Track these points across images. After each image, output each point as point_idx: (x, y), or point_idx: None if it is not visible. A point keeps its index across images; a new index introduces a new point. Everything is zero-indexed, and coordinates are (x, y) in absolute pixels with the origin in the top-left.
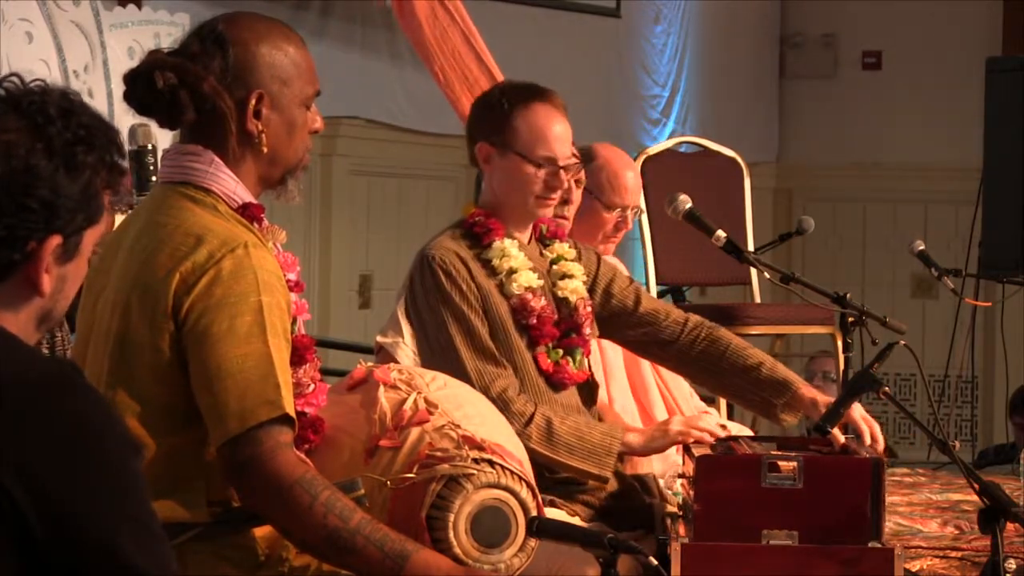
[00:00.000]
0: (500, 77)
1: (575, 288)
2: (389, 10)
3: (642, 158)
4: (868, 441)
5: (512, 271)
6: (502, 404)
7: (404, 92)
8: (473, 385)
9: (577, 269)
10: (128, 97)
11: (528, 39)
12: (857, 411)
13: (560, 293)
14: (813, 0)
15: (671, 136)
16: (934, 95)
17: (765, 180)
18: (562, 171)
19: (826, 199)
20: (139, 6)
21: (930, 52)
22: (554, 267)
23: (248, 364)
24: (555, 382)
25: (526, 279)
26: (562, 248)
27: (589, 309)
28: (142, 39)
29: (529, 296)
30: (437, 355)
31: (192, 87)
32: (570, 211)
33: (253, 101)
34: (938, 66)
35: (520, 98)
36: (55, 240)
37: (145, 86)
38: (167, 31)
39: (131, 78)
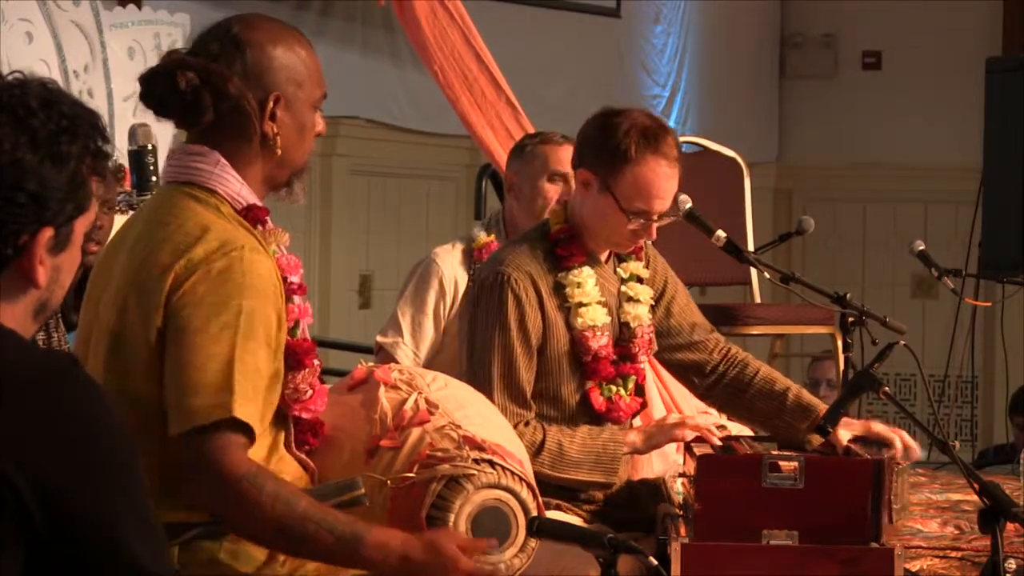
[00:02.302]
0: (500, 77)
1: (638, 315)
2: (389, 10)
3: None
4: (901, 448)
5: (580, 304)
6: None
7: (404, 92)
8: None
9: (645, 293)
10: (146, 97)
11: (528, 39)
12: (879, 425)
13: (623, 317)
14: (813, 0)
15: None
16: (934, 95)
17: (765, 180)
18: (653, 224)
19: (826, 199)
20: (139, 6)
21: (930, 52)
22: (623, 287)
23: (212, 365)
24: (610, 420)
25: (592, 316)
26: (636, 267)
27: (648, 337)
28: (142, 39)
29: (589, 335)
30: (473, 371)
31: (216, 87)
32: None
33: (271, 103)
34: (938, 66)
35: (639, 145)
36: (47, 232)
37: (166, 86)
38: (167, 31)
39: (151, 78)
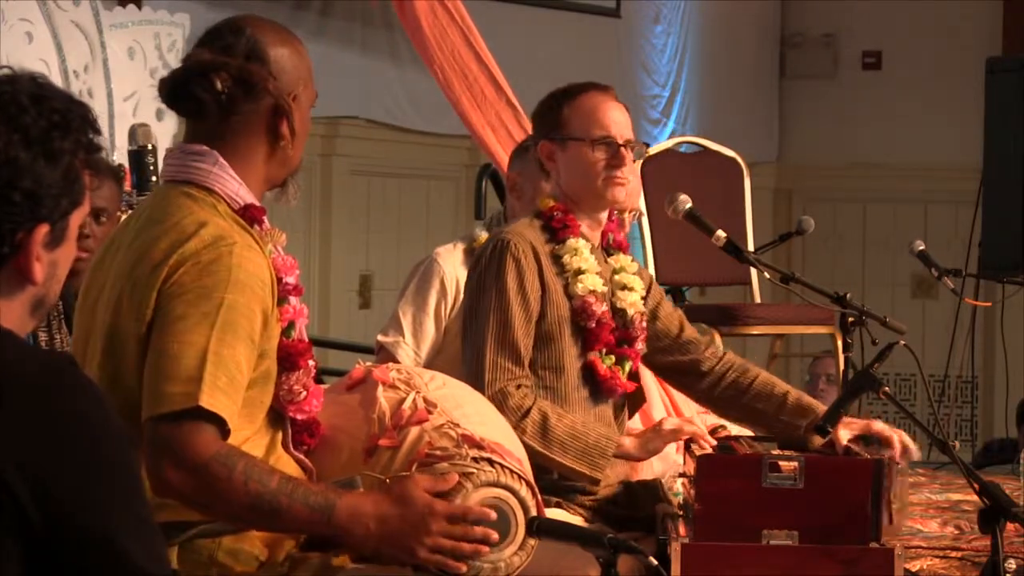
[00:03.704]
0: (500, 77)
1: (633, 301)
2: (389, 10)
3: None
4: (899, 448)
5: (579, 271)
6: (501, 398)
7: (404, 92)
8: (483, 374)
9: (637, 283)
10: (176, 98)
11: (528, 39)
12: (880, 424)
13: (619, 304)
14: (813, 0)
15: (671, 136)
16: (934, 95)
17: (765, 180)
18: (623, 148)
19: (826, 199)
20: (139, 6)
21: (930, 52)
22: (615, 277)
23: (186, 352)
24: (608, 388)
25: (591, 282)
26: (624, 260)
27: (645, 324)
28: (142, 39)
29: (592, 300)
30: (468, 333)
31: (250, 87)
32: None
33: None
34: (938, 66)
35: (571, 92)
36: (43, 228)
37: (202, 87)
38: (167, 31)
39: (183, 79)
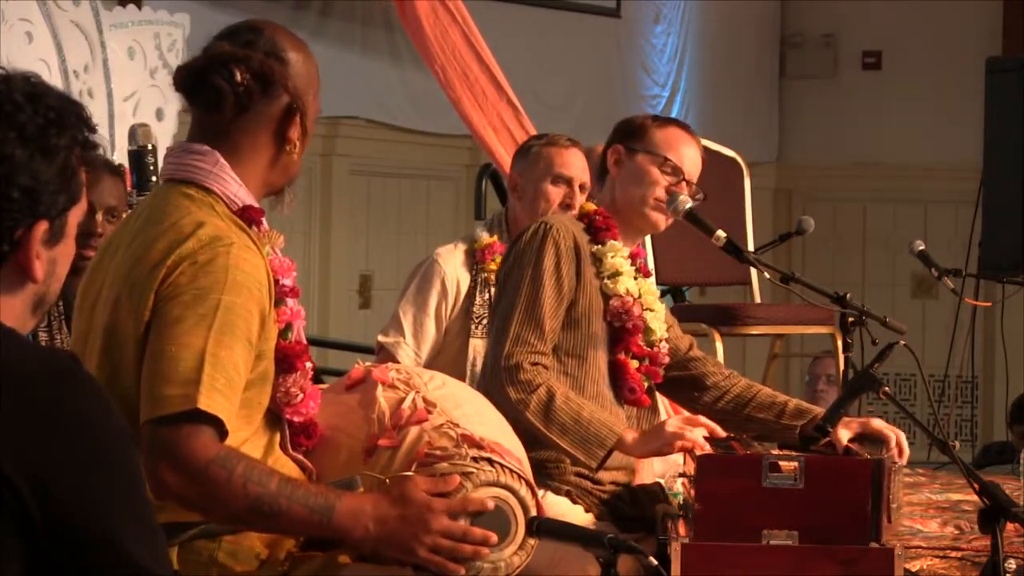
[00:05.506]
0: (500, 77)
1: (659, 326)
2: (389, 10)
3: None
4: (894, 447)
5: (617, 273)
6: (514, 370)
7: (404, 92)
8: (504, 344)
9: (661, 308)
10: (194, 88)
11: (528, 39)
12: (878, 422)
13: (649, 323)
14: (813, 0)
15: None
16: (934, 95)
17: (765, 180)
18: (685, 183)
19: (826, 199)
20: (139, 6)
21: (930, 52)
22: (640, 299)
23: (184, 354)
24: (630, 390)
25: (629, 283)
26: (649, 286)
27: (667, 351)
28: (142, 39)
29: (631, 300)
30: (497, 305)
31: (268, 83)
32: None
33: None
34: (938, 66)
35: (665, 120)
36: (42, 226)
37: (223, 77)
38: (167, 31)
39: (201, 68)
